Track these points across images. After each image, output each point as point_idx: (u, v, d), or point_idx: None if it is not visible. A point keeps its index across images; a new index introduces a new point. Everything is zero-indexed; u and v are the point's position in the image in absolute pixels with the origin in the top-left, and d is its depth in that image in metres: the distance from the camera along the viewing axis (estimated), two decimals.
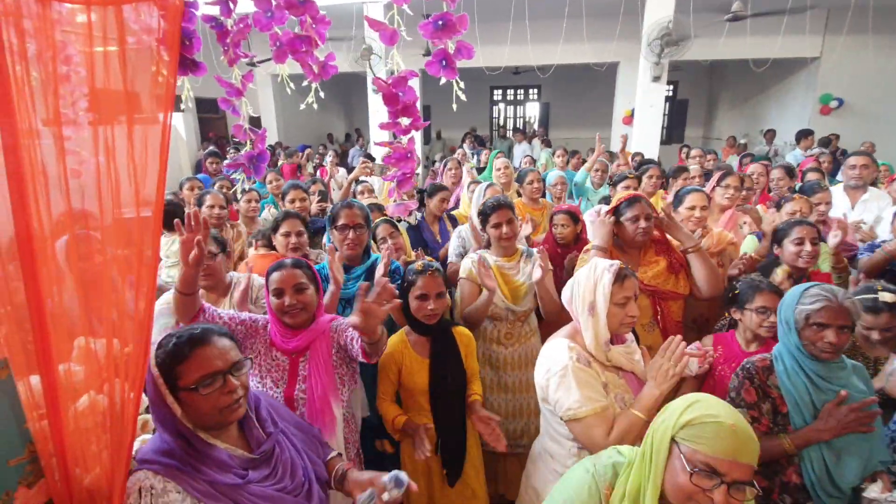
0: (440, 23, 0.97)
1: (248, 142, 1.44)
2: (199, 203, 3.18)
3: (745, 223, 2.91)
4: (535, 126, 13.67)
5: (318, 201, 3.56)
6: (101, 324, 0.77)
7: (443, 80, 1.06)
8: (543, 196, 3.77)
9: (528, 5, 7.28)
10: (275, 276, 1.62)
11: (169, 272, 3.00)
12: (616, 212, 2.19)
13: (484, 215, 2.30)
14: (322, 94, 1.31)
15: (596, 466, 1.11)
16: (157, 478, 0.98)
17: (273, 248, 2.56)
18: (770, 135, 9.04)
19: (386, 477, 1.20)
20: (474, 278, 2.22)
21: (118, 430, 0.79)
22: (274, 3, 1.19)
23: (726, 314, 2.05)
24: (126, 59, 0.69)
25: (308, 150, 7.73)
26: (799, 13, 7.65)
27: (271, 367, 1.62)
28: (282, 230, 2.42)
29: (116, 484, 0.80)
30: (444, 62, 1.00)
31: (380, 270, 1.95)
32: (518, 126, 14.27)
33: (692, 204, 2.48)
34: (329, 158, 6.91)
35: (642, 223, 2.11)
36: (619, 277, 1.49)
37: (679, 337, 1.39)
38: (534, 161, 7.28)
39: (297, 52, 1.21)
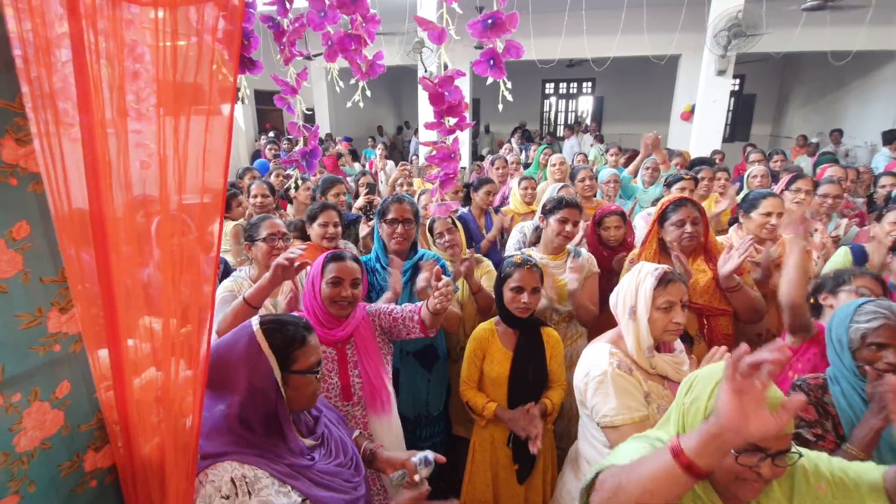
0: (489, 21, 0.96)
1: (302, 139, 1.51)
2: (249, 192, 3.44)
3: (816, 230, 2.72)
4: (588, 121, 13.29)
5: (366, 193, 3.63)
6: (162, 304, 0.82)
7: (490, 80, 1.05)
8: (596, 195, 3.68)
9: None
10: (335, 265, 1.65)
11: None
12: (662, 215, 2.10)
13: (556, 205, 2.24)
14: (369, 93, 1.35)
15: None
16: (246, 466, 1.01)
17: (306, 238, 2.62)
18: (837, 135, 8.25)
19: (416, 458, 1.28)
20: None
21: (174, 406, 0.85)
22: (327, 2, 1.22)
23: (812, 301, 1.81)
24: (188, 57, 0.74)
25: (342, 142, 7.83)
26: (885, 2, 6.97)
27: None
28: (319, 220, 2.48)
29: (169, 456, 0.86)
30: (491, 62, 0.99)
31: (422, 277, 1.94)
32: (570, 121, 13.93)
33: (768, 210, 2.24)
34: (378, 151, 7.02)
35: (688, 227, 2.00)
36: (663, 281, 1.43)
37: (724, 349, 1.32)
38: (585, 157, 7.07)
39: (346, 50, 1.24)
